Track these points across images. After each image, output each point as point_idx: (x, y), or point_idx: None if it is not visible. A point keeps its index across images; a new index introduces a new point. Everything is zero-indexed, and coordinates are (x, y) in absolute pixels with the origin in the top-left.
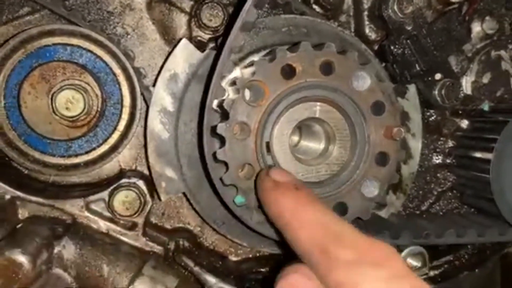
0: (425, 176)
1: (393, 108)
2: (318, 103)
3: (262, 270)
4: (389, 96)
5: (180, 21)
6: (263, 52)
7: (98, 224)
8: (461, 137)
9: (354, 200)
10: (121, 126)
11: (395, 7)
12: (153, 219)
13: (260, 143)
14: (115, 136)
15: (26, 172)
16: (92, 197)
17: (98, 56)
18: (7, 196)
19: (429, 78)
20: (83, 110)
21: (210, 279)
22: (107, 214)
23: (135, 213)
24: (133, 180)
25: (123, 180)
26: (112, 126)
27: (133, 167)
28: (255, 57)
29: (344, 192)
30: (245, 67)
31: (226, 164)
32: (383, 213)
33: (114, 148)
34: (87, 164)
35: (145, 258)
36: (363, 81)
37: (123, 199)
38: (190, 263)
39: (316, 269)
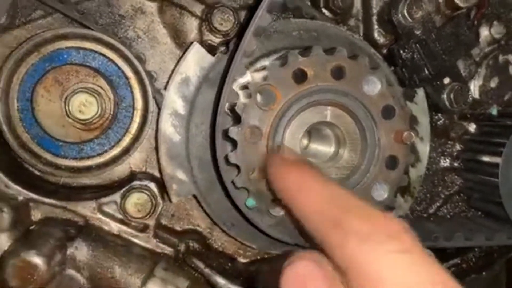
0: (432, 179)
1: (403, 112)
2: (329, 107)
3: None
4: (398, 100)
5: (191, 25)
6: (274, 56)
7: (110, 226)
8: (469, 141)
9: None
10: (133, 129)
11: (405, 12)
12: (163, 221)
13: (271, 146)
14: (127, 138)
15: (38, 173)
16: (104, 199)
17: (110, 60)
18: (20, 198)
19: (438, 82)
20: (96, 113)
21: (220, 280)
22: (119, 216)
23: (146, 215)
24: (144, 182)
25: (135, 182)
26: (124, 129)
27: (143, 169)
28: (266, 61)
29: None
30: (256, 70)
31: (238, 167)
32: None
33: (126, 151)
34: (99, 166)
35: (156, 260)
36: (374, 86)
37: (135, 201)
38: (201, 265)
39: (329, 244)
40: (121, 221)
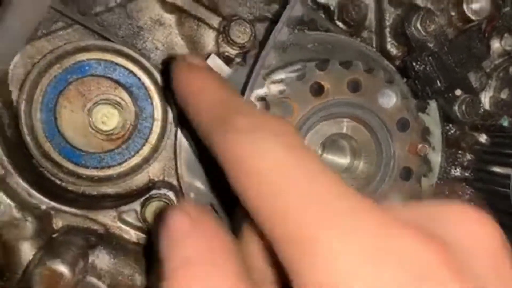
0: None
1: (417, 124)
2: (345, 119)
3: None
4: (412, 112)
5: (209, 37)
6: (290, 68)
7: (130, 234)
8: (479, 151)
9: None
10: (153, 139)
11: (418, 25)
12: None
13: None
14: (147, 148)
15: (59, 183)
16: (124, 208)
17: (130, 71)
18: (43, 207)
19: (450, 94)
20: (118, 124)
21: None
22: (138, 224)
23: None
24: (163, 191)
25: (154, 191)
26: (143, 139)
27: (161, 178)
28: (282, 73)
29: None
30: (273, 82)
31: None
32: None
33: (146, 160)
34: (120, 175)
35: None
36: (389, 99)
37: (154, 210)
38: None
39: (212, 142)
40: (141, 229)
